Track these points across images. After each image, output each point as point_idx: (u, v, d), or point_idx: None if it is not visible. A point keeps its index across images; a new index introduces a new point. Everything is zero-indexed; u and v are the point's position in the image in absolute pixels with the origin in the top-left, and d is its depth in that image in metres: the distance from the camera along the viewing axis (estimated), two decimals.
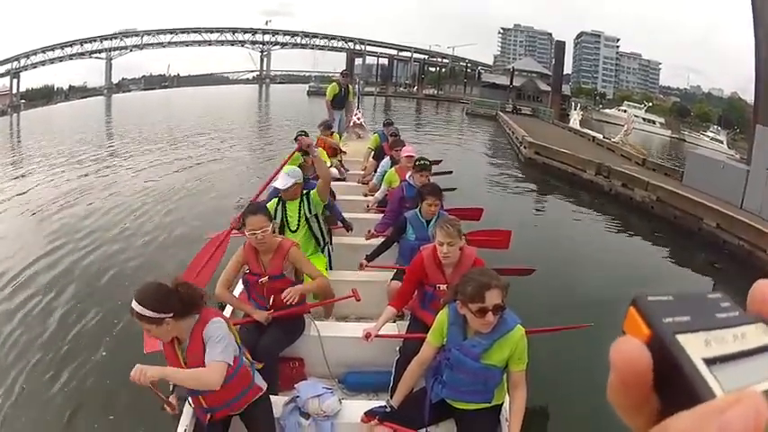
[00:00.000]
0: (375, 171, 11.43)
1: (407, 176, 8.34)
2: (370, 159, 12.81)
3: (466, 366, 4.06)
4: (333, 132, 13.65)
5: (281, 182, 6.76)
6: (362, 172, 12.93)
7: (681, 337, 0.43)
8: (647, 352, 0.43)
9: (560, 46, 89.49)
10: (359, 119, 17.98)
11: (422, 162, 8.09)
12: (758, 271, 12.38)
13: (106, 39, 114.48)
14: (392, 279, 6.73)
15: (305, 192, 6.95)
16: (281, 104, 71.91)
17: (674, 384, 0.42)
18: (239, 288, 5.93)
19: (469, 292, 3.79)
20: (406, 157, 9.42)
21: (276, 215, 6.75)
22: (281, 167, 7.27)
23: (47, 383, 6.94)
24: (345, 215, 9.23)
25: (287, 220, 6.86)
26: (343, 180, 12.62)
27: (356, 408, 4.79)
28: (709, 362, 0.42)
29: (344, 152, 13.88)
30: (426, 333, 4.88)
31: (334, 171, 11.42)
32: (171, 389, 4.24)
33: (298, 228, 6.85)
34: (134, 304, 3.60)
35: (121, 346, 7.50)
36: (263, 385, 4.36)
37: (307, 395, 4.68)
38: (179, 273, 5.59)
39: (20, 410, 6.47)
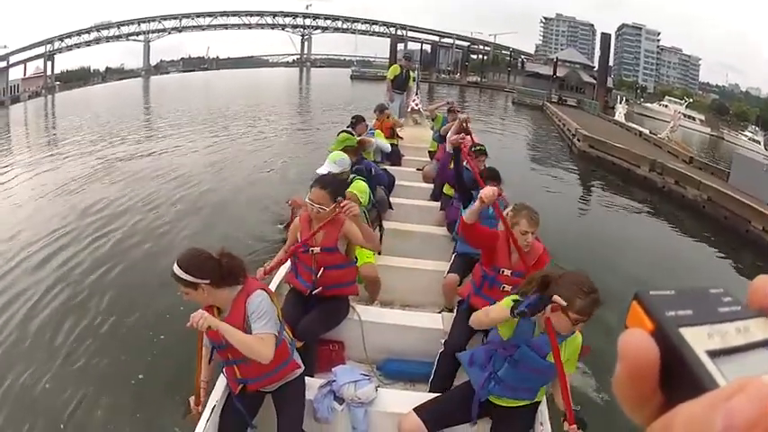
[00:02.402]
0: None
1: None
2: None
3: (531, 363, 3.99)
4: (388, 116, 13.32)
5: (325, 169, 6.54)
6: (418, 158, 12.89)
7: (684, 330, 0.44)
8: (654, 343, 0.44)
9: (606, 38, 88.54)
10: (417, 105, 17.86)
11: (479, 148, 8.15)
12: None
13: (144, 22, 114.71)
14: (449, 272, 6.62)
15: (350, 179, 6.82)
16: (325, 87, 71.28)
17: (678, 376, 0.43)
18: (286, 266, 5.85)
19: (579, 306, 3.63)
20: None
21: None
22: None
23: (84, 355, 7.33)
24: (399, 200, 9.38)
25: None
26: (399, 159, 12.54)
27: (392, 396, 4.81)
28: (713, 354, 0.42)
29: (401, 137, 13.76)
30: (473, 328, 5.01)
31: (385, 145, 11.11)
32: (209, 360, 4.15)
33: None
34: (174, 266, 3.72)
35: (164, 321, 7.90)
36: (300, 364, 4.36)
37: (343, 380, 4.65)
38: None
39: (59, 380, 6.80)
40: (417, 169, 11.87)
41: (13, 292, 9.05)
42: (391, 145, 11.91)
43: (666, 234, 16.28)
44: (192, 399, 4.10)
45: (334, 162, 6.69)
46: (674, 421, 0.40)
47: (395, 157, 12.18)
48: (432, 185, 10.42)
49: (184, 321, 3.51)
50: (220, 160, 19.33)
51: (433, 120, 13.94)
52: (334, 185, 5.12)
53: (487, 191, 4.78)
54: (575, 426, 3.68)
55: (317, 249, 5.12)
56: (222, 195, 14.82)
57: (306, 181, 8.96)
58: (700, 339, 0.43)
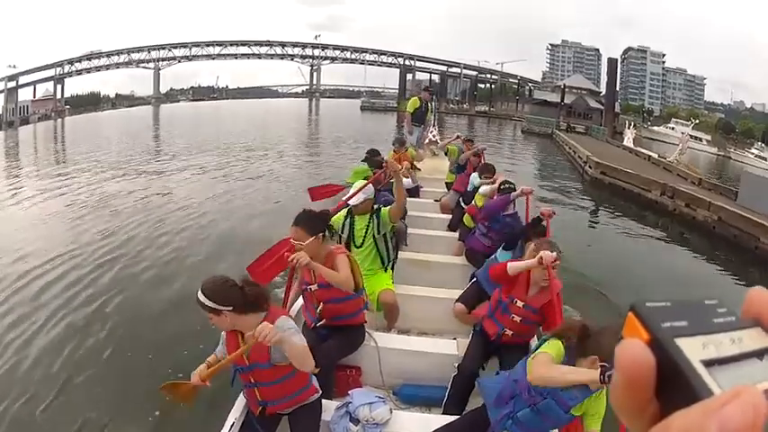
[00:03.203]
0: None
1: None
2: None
3: (554, 415, 3.93)
4: (407, 149, 13.27)
5: (354, 198, 6.71)
6: (436, 189, 12.94)
7: (679, 341, 0.44)
8: (650, 353, 0.44)
9: (613, 63, 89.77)
10: (434, 136, 17.96)
11: (507, 186, 8.06)
12: None
13: (154, 49, 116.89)
14: (457, 300, 6.77)
15: (376, 207, 6.83)
16: (335, 119, 71.65)
17: (674, 385, 0.43)
18: (300, 301, 5.94)
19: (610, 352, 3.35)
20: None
21: (344, 229, 6.77)
22: (358, 190, 6.85)
23: (108, 365, 7.54)
24: (416, 231, 9.55)
25: (353, 235, 6.80)
26: (417, 191, 12.43)
27: (406, 419, 4.85)
28: (707, 363, 0.43)
29: (419, 169, 13.63)
30: (487, 349, 5.38)
31: (407, 181, 10.99)
32: (231, 382, 4.22)
33: (363, 244, 6.73)
34: (198, 292, 3.79)
35: (183, 338, 7.97)
36: (318, 389, 4.42)
37: (359, 402, 4.69)
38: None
39: (78, 389, 7.00)
40: (435, 200, 12.02)
41: (16, 316, 9.18)
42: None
43: (678, 255, 16.73)
44: (194, 374, 4.02)
45: (361, 191, 6.79)
46: (670, 428, 0.41)
47: (413, 189, 12.13)
48: (449, 216, 10.63)
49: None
50: (229, 191, 19.62)
51: (446, 153, 14.23)
52: (308, 221, 5.16)
53: (548, 256, 4.92)
54: None
55: (314, 287, 5.27)
56: (229, 225, 15.00)
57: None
58: (694, 349, 0.44)
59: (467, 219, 9.25)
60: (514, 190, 8.01)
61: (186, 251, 12.57)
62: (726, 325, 0.47)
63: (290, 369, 3.96)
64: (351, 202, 6.77)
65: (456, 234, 9.50)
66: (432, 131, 18.01)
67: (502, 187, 8.05)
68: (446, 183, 12.97)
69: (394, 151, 12.50)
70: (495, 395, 4.24)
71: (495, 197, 8.24)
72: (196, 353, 7.20)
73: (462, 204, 10.05)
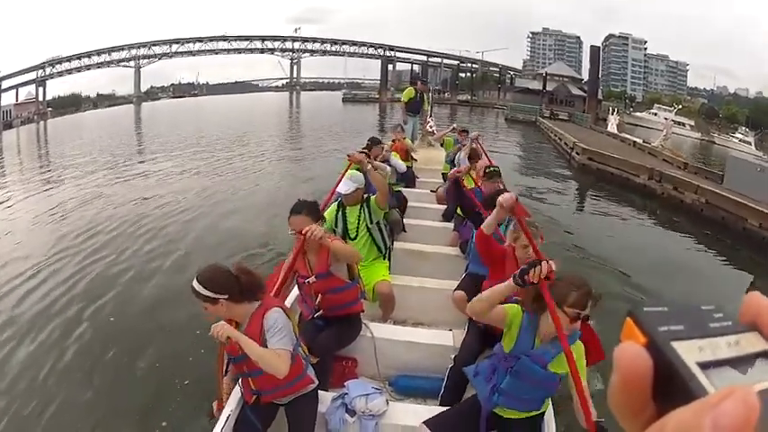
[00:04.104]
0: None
1: (480, 183, 8.36)
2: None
3: (532, 374, 4.05)
4: (405, 137, 13.48)
5: (344, 186, 6.73)
6: (432, 180, 13.06)
7: (676, 344, 0.45)
8: (647, 355, 0.45)
9: (595, 51, 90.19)
10: (431, 127, 17.80)
11: (492, 170, 8.13)
12: None
13: (134, 47, 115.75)
14: (456, 289, 6.65)
15: (366, 197, 6.88)
16: (317, 111, 71.25)
17: (670, 387, 0.44)
18: (295, 292, 6.00)
19: (574, 299, 3.80)
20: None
21: (337, 222, 6.80)
22: (341, 177, 7.02)
23: (101, 361, 7.58)
24: (413, 222, 9.68)
25: (347, 228, 6.82)
26: (413, 181, 12.70)
27: (402, 410, 4.90)
28: (703, 366, 0.44)
29: (416, 159, 13.75)
30: (483, 340, 5.37)
31: (400, 165, 10.98)
32: (224, 371, 4.33)
33: (357, 235, 6.79)
34: (194, 281, 3.84)
35: (178, 333, 8.12)
36: (315, 379, 4.47)
37: (355, 393, 4.73)
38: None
39: (74, 385, 7.05)
40: (431, 191, 12.04)
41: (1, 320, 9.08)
42: (406, 166, 12.05)
43: (668, 236, 17.24)
44: (215, 403, 4.36)
45: (350, 178, 6.82)
46: (665, 426, 0.42)
47: (409, 179, 12.42)
48: (445, 206, 10.64)
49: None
50: (212, 186, 19.71)
51: (442, 144, 14.48)
52: (305, 208, 5.19)
53: (505, 196, 4.79)
54: None
55: (311, 279, 5.27)
56: (213, 220, 15.07)
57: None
58: (691, 352, 0.44)
59: (461, 209, 9.07)
60: (499, 175, 8.10)
61: (172, 248, 12.63)
62: (722, 329, 0.47)
63: None
64: (339, 190, 6.83)
65: (452, 224, 9.59)
66: (429, 122, 18.05)
67: (487, 171, 8.15)
68: (442, 173, 13.01)
69: (393, 140, 12.72)
70: (480, 373, 4.39)
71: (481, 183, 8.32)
72: (185, 349, 7.65)
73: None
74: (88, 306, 9.44)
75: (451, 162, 11.90)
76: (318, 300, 5.37)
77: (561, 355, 3.89)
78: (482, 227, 5.19)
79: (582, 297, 3.80)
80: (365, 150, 9.24)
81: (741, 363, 0.45)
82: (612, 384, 0.47)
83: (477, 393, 4.38)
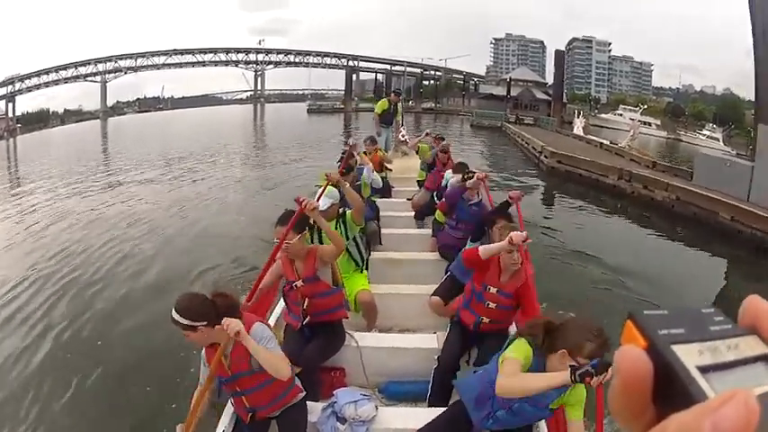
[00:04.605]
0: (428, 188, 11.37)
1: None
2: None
3: (530, 413, 4.08)
4: (378, 148, 13.25)
5: (320, 202, 6.52)
6: (407, 188, 13.11)
7: (676, 348, 0.45)
8: (647, 358, 0.46)
9: (560, 55, 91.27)
10: (403, 137, 17.34)
11: (469, 173, 8.15)
12: None
13: (101, 62, 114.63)
14: (433, 294, 6.80)
15: (342, 211, 7.00)
16: (282, 123, 71.69)
17: (670, 391, 0.44)
18: (281, 305, 6.13)
19: (588, 350, 3.68)
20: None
21: (312, 237, 6.71)
22: (320, 195, 6.90)
23: (91, 375, 7.62)
24: (389, 230, 9.80)
25: (321, 242, 6.71)
26: (388, 191, 12.79)
27: (392, 415, 4.97)
28: (703, 369, 0.44)
29: (390, 169, 13.73)
30: (466, 341, 5.48)
31: (377, 181, 10.91)
32: (217, 394, 4.29)
33: None
34: (172, 311, 3.87)
35: (161, 349, 8.13)
36: (302, 389, 4.55)
37: (344, 401, 4.79)
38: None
39: (68, 399, 7.16)
40: (407, 199, 12.04)
41: None
42: (381, 177, 11.86)
43: (642, 233, 17.59)
44: (179, 427, 4.10)
45: (325, 195, 6.86)
46: (666, 430, 0.42)
47: (384, 188, 12.36)
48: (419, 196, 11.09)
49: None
50: (180, 201, 19.65)
51: (417, 152, 14.15)
52: (288, 219, 5.34)
53: (517, 236, 5.00)
54: None
55: (299, 283, 5.36)
56: (184, 236, 15.05)
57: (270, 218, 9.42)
58: (691, 355, 0.45)
59: (438, 215, 9.32)
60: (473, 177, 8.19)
61: (144, 266, 12.53)
62: (722, 332, 0.48)
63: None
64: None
65: (429, 231, 9.69)
66: (402, 131, 17.83)
67: (465, 176, 8.19)
68: (418, 181, 13.10)
69: (365, 151, 12.38)
70: (473, 397, 4.30)
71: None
72: (157, 370, 7.66)
73: (435, 200, 10.29)
74: (60, 328, 9.40)
75: (428, 169, 12.02)
76: (306, 304, 5.42)
77: (562, 395, 3.87)
78: (480, 251, 5.32)
79: (599, 349, 3.67)
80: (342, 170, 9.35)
81: (741, 366, 0.45)
82: (613, 388, 0.48)
83: (471, 415, 4.29)
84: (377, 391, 5.89)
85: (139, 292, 10.93)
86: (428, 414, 4.65)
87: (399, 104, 17.43)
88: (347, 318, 5.94)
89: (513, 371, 3.83)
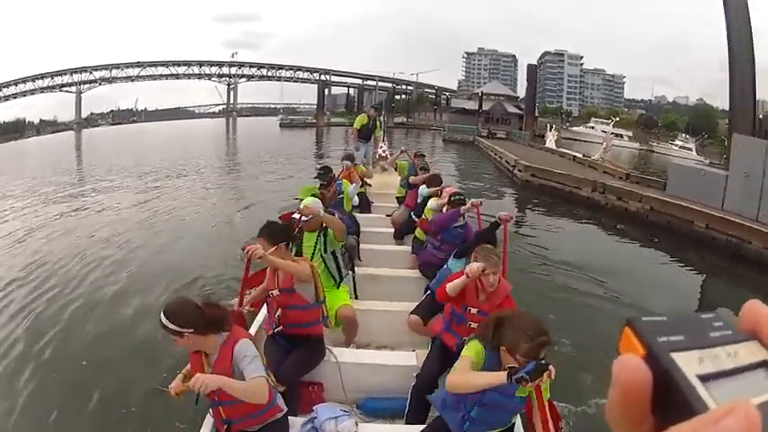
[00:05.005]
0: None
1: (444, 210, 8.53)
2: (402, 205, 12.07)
3: (501, 404, 4.16)
4: (356, 165, 13.26)
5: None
6: (387, 204, 13.11)
7: (675, 355, 0.45)
8: (646, 367, 0.45)
9: (533, 69, 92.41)
10: (384, 152, 18.19)
11: (458, 198, 8.27)
12: (747, 261, 15.11)
13: (76, 72, 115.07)
14: (411, 312, 6.77)
15: (323, 225, 7.02)
16: (254, 137, 71.52)
17: (670, 401, 0.44)
18: (263, 314, 6.34)
19: (524, 350, 3.84)
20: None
21: (292, 248, 6.64)
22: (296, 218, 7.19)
23: (65, 390, 7.46)
24: (370, 246, 9.79)
25: (300, 252, 6.91)
26: (368, 207, 12.99)
27: (372, 431, 5.06)
28: (703, 378, 0.43)
29: (370, 185, 14.00)
30: (446, 360, 5.30)
31: (352, 190, 10.98)
32: (195, 401, 4.24)
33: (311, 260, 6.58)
34: (161, 315, 3.92)
35: (139, 362, 8.00)
36: (283, 407, 4.52)
37: (324, 416, 4.80)
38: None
39: (32, 416, 6.94)
40: (387, 215, 12.09)
41: None
42: (359, 193, 12.34)
43: (617, 243, 17.89)
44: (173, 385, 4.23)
45: (307, 206, 6.91)
46: None
47: (364, 204, 12.69)
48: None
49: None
50: (153, 215, 19.38)
51: (396, 169, 14.40)
52: (270, 230, 5.53)
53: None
54: None
55: (275, 292, 5.51)
56: (156, 250, 14.66)
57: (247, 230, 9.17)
58: (691, 364, 0.44)
59: (419, 232, 9.46)
60: (464, 202, 8.22)
61: (116, 279, 12.22)
62: (722, 339, 0.47)
63: None
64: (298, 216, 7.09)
65: (408, 248, 9.75)
66: (382, 147, 18.39)
67: (452, 199, 8.25)
68: (397, 198, 13.17)
69: (344, 168, 12.47)
70: (447, 404, 4.44)
71: (444, 210, 8.49)
72: (135, 382, 7.43)
73: (414, 217, 10.31)
74: (35, 344, 9.09)
75: (407, 185, 12.05)
76: (278, 313, 5.51)
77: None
78: (447, 289, 5.39)
79: (534, 349, 3.84)
80: (323, 183, 10.11)
81: (741, 374, 0.45)
82: (611, 398, 0.47)
83: (448, 423, 4.38)
84: (355, 407, 5.88)
85: (113, 306, 10.69)
86: None
87: (380, 119, 17.79)
88: (321, 335, 5.91)
89: (463, 368, 4.10)
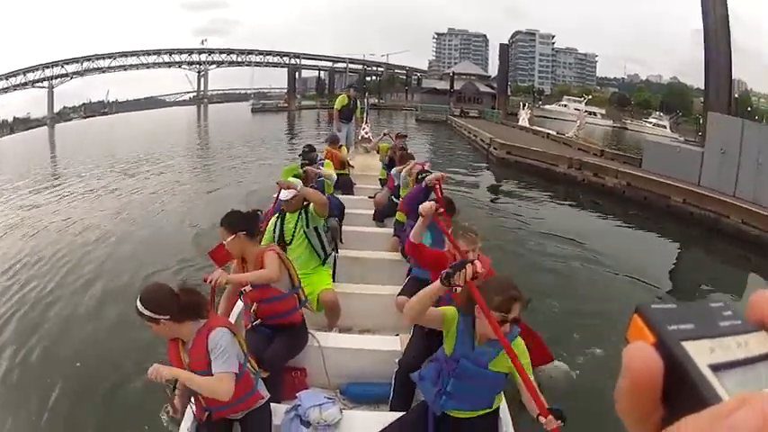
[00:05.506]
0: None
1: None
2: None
3: (475, 375, 4.13)
4: (340, 146, 13.63)
5: (284, 194, 6.86)
6: (370, 186, 13.21)
7: (686, 344, 0.44)
8: (658, 356, 0.44)
9: (504, 48, 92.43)
10: (367, 133, 18.40)
11: (424, 175, 7.94)
12: (725, 234, 15.39)
13: (48, 67, 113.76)
14: (399, 294, 6.81)
15: (306, 203, 6.94)
16: (226, 123, 70.70)
17: (680, 390, 0.43)
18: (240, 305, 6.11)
19: (496, 303, 3.81)
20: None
21: (275, 230, 6.94)
22: (275, 200, 7.32)
23: (49, 383, 7.24)
24: (353, 228, 9.74)
25: (283, 233, 6.93)
26: (351, 188, 13.10)
27: (356, 418, 4.99)
28: (715, 368, 0.43)
29: (352, 166, 14.03)
30: (428, 343, 5.24)
31: (333, 176, 10.85)
32: (172, 389, 4.23)
33: (292, 240, 6.88)
34: (137, 301, 3.89)
35: (126, 350, 7.75)
36: (266, 394, 4.51)
37: (308, 404, 4.77)
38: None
39: (21, 409, 6.76)
40: (369, 197, 12.06)
41: None
42: (342, 174, 12.56)
43: (594, 218, 17.97)
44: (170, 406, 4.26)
45: (288, 186, 6.89)
46: None
47: (346, 186, 12.76)
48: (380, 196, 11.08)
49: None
50: (128, 206, 18.99)
51: (378, 152, 14.56)
52: (228, 220, 5.38)
53: (425, 205, 5.15)
54: (551, 417, 3.60)
55: (247, 288, 5.41)
56: (132, 242, 14.23)
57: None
58: (702, 353, 0.44)
59: (399, 215, 9.39)
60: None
61: (94, 271, 11.88)
62: (731, 328, 0.47)
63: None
64: (281, 198, 6.97)
65: (391, 230, 9.77)
66: (365, 128, 18.54)
67: (419, 177, 8.08)
68: (380, 179, 13.30)
69: (328, 149, 12.77)
70: (427, 379, 4.42)
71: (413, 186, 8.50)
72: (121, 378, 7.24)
73: (394, 200, 10.29)
74: (16, 344, 8.78)
75: (388, 167, 12.12)
76: (254, 308, 5.50)
77: (503, 354, 3.94)
78: (410, 236, 5.37)
79: (504, 302, 3.85)
80: (305, 162, 9.95)
81: (753, 364, 0.44)
82: (621, 387, 0.46)
83: (425, 397, 4.43)
84: (338, 393, 5.89)
85: (92, 302, 10.34)
86: (392, 418, 4.67)
87: (364, 100, 18.39)
88: (301, 321, 5.88)
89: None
